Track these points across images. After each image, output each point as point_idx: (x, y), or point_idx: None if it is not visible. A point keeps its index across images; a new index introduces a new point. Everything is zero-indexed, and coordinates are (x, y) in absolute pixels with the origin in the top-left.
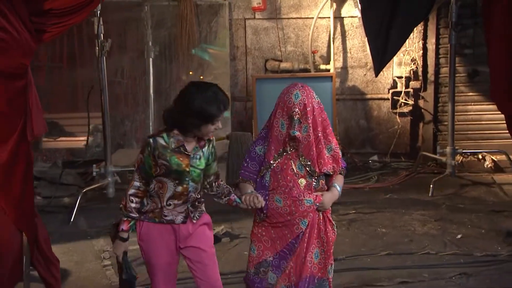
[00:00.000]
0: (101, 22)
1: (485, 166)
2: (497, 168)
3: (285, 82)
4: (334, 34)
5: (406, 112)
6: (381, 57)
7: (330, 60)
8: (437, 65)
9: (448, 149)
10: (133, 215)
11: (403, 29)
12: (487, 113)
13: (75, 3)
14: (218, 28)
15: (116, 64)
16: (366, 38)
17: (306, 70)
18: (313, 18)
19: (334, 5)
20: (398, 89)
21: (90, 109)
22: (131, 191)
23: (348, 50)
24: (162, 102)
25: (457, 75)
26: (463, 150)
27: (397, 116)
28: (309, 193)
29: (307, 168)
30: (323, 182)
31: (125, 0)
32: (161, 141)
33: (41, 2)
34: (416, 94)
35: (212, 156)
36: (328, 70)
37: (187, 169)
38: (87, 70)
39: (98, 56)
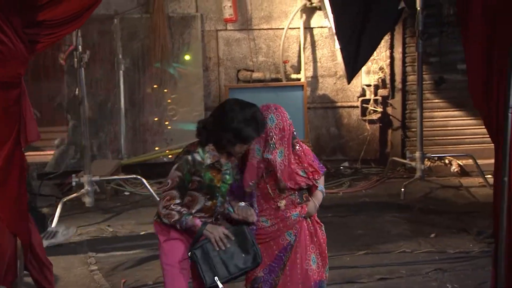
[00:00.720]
0: (79, 34)
1: (452, 170)
2: (463, 172)
3: (258, 91)
4: (304, 44)
5: (375, 119)
6: (353, 64)
7: (300, 70)
8: (404, 73)
9: (417, 154)
10: (189, 212)
11: (374, 37)
12: (453, 119)
13: (67, 15)
14: (190, 40)
15: (90, 76)
16: (336, 47)
17: (277, 80)
18: (283, 29)
19: (304, 16)
20: (367, 97)
21: (58, 122)
22: (177, 208)
23: (318, 60)
24: (136, 113)
25: (423, 82)
26: (432, 154)
27: (367, 123)
28: (293, 208)
29: (280, 187)
30: (307, 194)
31: (97, 13)
32: (198, 157)
33: (34, 14)
34: (385, 102)
35: (234, 173)
36: (299, 79)
37: (218, 185)
38: (52, 83)
39: (77, 68)
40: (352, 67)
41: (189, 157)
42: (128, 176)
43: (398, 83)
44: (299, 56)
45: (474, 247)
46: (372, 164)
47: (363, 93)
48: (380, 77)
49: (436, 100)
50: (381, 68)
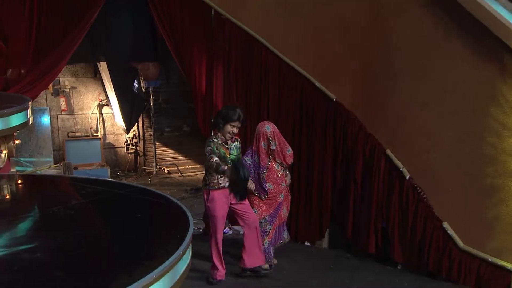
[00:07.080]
0: None
1: (164, 172)
2: (173, 172)
3: (80, 141)
4: (99, 120)
5: (132, 152)
6: (129, 125)
7: (98, 131)
8: (144, 132)
9: (153, 164)
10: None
11: (137, 113)
12: (169, 151)
13: None
14: (41, 120)
15: None
16: (115, 121)
17: (87, 135)
18: (89, 113)
19: (99, 108)
20: (129, 142)
21: None
22: (216, 159)
23: (106, 127)
24: None
25: (152, 135)
26: (158, 165)
27: (129, 154)
28: (283, 179)
29: (281, 164)
30: (287, 172)
31: None
32: (215, 139)
33: None
34: (136, 145)
35: (239, 150)
36: (98, 136)
37: (228, 156)
38: None
39: None
40: (129, 126)
41: (212, 139)
42: None
43: (141, 136)
44: (97, 125)
45: None
46: (132, 172)
47: (127, 141)
48: (134, 134)
49: (159, 144)
50: (134, 130)
